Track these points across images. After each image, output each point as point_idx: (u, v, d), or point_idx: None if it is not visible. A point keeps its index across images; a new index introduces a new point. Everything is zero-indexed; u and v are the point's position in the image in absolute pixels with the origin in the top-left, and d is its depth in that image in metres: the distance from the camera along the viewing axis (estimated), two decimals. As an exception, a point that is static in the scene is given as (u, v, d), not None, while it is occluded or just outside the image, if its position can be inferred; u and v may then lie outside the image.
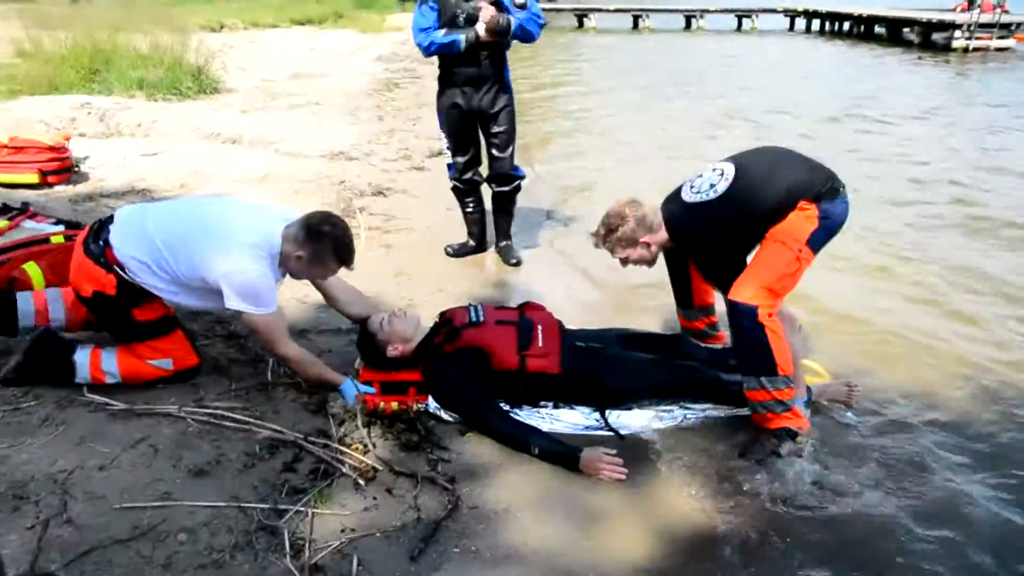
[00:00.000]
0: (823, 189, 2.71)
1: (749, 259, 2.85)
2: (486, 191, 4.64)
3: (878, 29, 24.58)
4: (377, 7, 26.66)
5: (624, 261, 3.02)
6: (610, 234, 2.94)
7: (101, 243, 2.73)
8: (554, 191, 6.47)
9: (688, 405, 3.02)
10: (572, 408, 2.95)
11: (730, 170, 2.81)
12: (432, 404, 2.87)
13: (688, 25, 29.20)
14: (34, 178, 5.06)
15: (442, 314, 3.16)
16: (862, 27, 25.30)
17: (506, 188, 4.54)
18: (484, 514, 2.38)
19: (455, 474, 2.54)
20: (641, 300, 4.08)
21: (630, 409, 2.97)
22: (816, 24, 28.32)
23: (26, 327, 2.95)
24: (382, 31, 20.25)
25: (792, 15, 29.11)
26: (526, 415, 2.89)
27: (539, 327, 2.98)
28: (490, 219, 4.76)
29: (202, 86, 9.21)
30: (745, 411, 2.92)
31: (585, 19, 28.95)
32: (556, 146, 8.33)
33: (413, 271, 4.27)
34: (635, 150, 8.16)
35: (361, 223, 4.95)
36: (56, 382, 2.80)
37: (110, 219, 2.81)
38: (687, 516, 2.47)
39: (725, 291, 2.81)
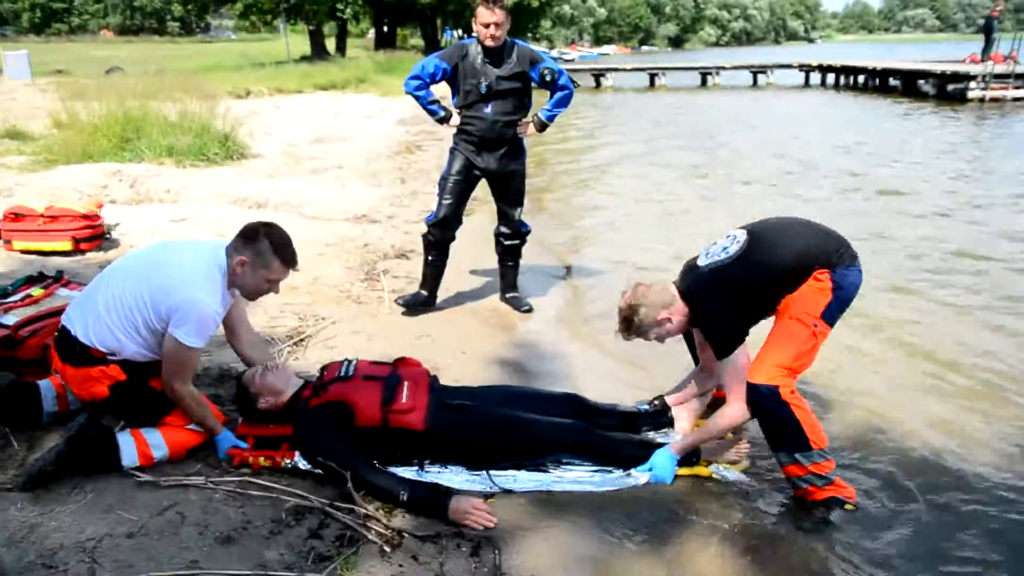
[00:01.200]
0: (836, 257, 2.73)
1: (756, 330, 2.86)
2: (454, 248, 4.73)
3: (892, 82, 24.83)
4: (399, 71, 27.33)
5: (659, 339, 3.05)
6: (629, 326, 2.96)
7: (77, 348, 2.73)
8: (565, 243, 6.62)
9: (568, 466, 2.95)
10: (445, 467, 2.91)
11: (743, 236, 2.85)
12: (301, 460, 2.84)
13: (704, 82, 29.70)
14: (67, 245, 5.20)
15: (322, 368, 3.20)
16: (877, 80, 25.57)
17: (515, 242, 4.75)
18: (511, 581, 2.36)
19: (480, 539, 2.52)
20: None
21: (507, 469, 2.89)
22: (831, 78, 28.67)
23: (49, 412, 3.01)
24: (403, 95, 20.69)
25: (807, 70, 29.54)
26: (397, 472, 2.84)
27: (405, 383, 2.95)
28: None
29: (229, 152, 9.46)
30: (632, 481, 2.92)
31: (602, 78, 29.51)
32: (567, 202, 8.46)
33: (436, 333, 4.31)
34: (649, 205, 8.26)
35: (385, 286, 5.02)
36: (101, 469, 2.72)
37: (62, 329, 2.80)
38: (717, 582, 2.43)
39: (721, 354, 2.82)
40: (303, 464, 2.83)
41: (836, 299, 2.70)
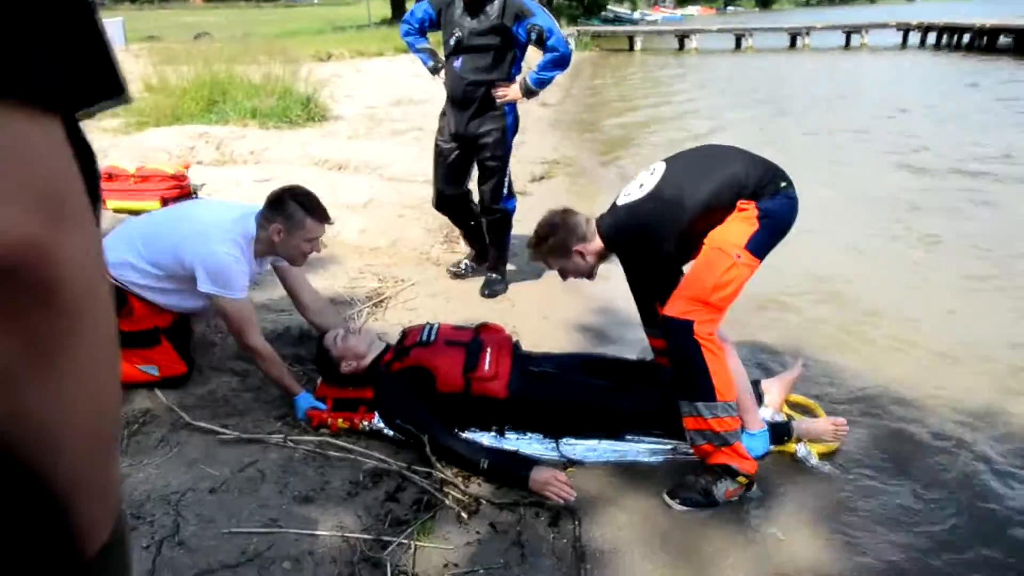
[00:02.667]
0: (763, 185, 2.50)
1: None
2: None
3: (1003, 40, 23.13)
4: (477, 34, 27.12)
5: (562, 274, 2.88)
6: (541, 244, 2.80)
7: None
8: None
9: (646, 438, 2.84)
10: (524, 434, 2.84)
11: (660, 168, 2.63)
12: (379, 422, 2.81)
13: (793, 43, 28.43)
14: (156, 205, 5.31)
15: (403, 332, 3.13)
16: (984, 39, 23.88)
17: (492, 217, 4.25)
18: (591, 553, 2.29)
19: (559, 510, 2.46)
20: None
21: (587, 439, 2.82)
22: (932, 38, 26.95)
23: None
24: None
25: (906, 29, 27.88)
26: (475, 438, 2.81)
27: (488, 349, 2.88)
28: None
29: (311, 114, 9.54)
30: None
31: (686, 40, 28.64)
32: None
33: (517, 298, 4.24)
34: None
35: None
36: None
37: None
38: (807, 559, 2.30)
39: (656, 298, 2.64)
40: (382, 427, 2.81)
41: (764, 228, 2.47)
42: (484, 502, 2.47)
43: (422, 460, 2.63)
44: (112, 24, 19.66)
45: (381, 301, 4.05)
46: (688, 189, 2.53)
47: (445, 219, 5.45)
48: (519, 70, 4.03)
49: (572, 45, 26.39)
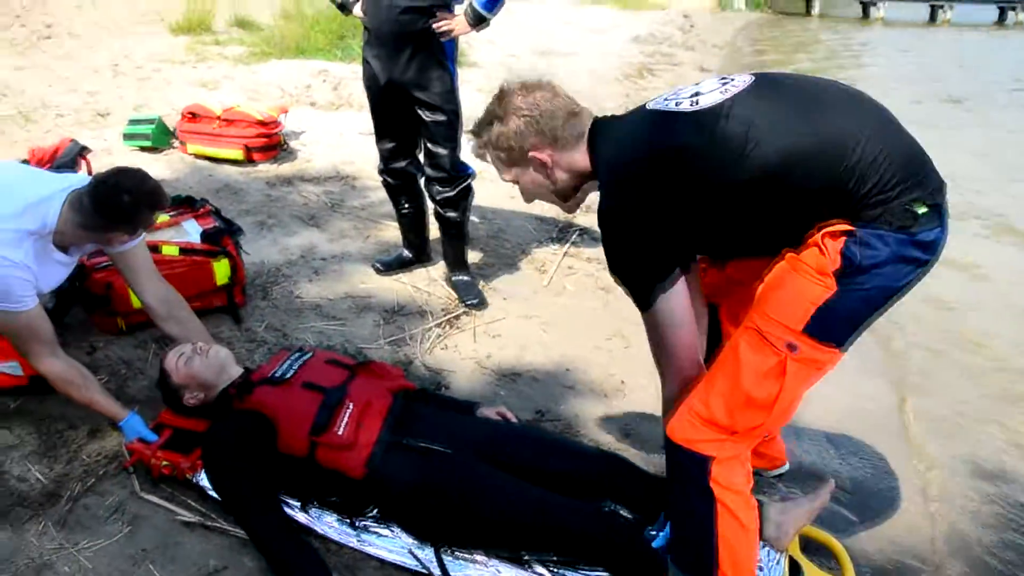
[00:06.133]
0: (886, 191, 1.42)
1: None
2: None
3: None
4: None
5: (522, 191, 1.86)
6: (483, 129, 1.76)
7: None
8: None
9: (563, 568, 1.90)
10: (389, 528, 2.01)
11: (742, 83, 1.57)
12: (204, 478, 2.09)
13: (1002, 18, 24.92)
14: (239, 154, 4.69)
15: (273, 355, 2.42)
16: None
17: (446, 192, 3.19)
18: None
19: None
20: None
21: (473, 552, 1.94)
22: None
23: None
24: (643, 7, 19.10)
25: None
26: (325, 522, 2.03)
27: (348, 404, 2.05)
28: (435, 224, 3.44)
29: (445, 59, 8.75)
30: None
31: (872, 8, 25.72)
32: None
33: (632, 335, 3.24)
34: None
35: (574, 252, 4.03)
36: None
37: None
38: None
39: (634, 297, 1.68)
40: (204, 484, 2.09)
41: (850, 292, 1.46)
42: None
43: None
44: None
45: (456, 318, 3.19)
46: (762, 137, 1.48)
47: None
48: None
49: (744, 3, 24.42)
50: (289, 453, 2.01)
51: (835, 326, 1.50)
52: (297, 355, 2.26)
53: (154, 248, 2.70)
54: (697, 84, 1.66)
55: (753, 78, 1.60)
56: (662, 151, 1.57)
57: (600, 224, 1.67)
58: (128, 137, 4.87)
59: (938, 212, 1.47)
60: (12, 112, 5.64)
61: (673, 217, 1.58)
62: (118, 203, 2.06)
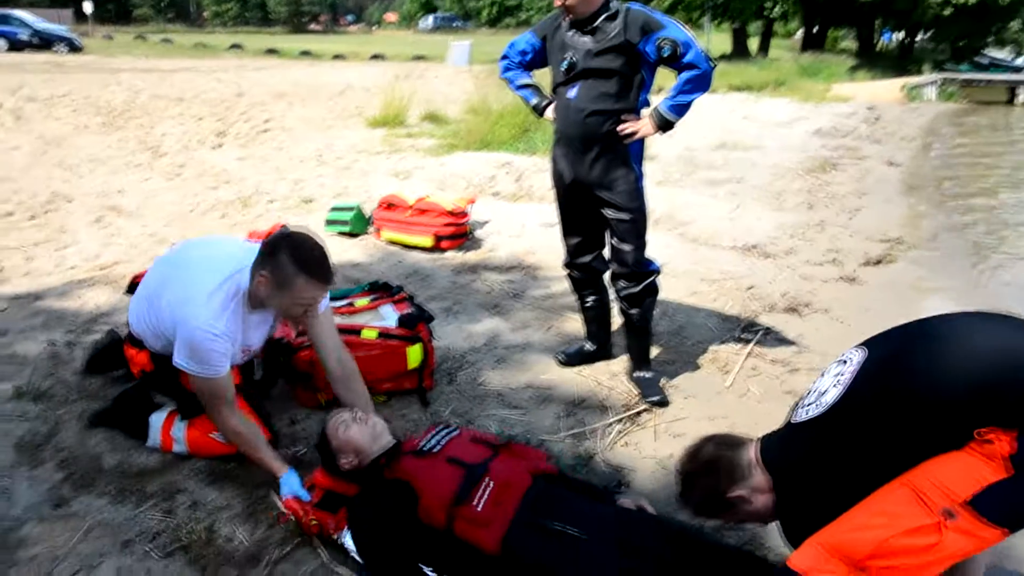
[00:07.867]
0: None
1: None
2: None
3: None
4: (824, 75, 24.88)
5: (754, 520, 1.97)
6: (687, 498, 1.99)
7: (127, 323, 2.65)
8: None
9: None
10: None
11: (856, 358, 1.71)
12: (347, 538, 2.19)
13: None
14: (428, 242, 4.96)
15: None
16: None
17: (631, 288, 3.19)
18: None
19: None
20: None
21: None
22: None
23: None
24: (824, 101, 18.63)
25: None
26: None
27: (488, 481, 2.12)
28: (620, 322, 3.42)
29: (622, 152, 8.89)
30: None
31: (1018, 92, 23.76)
32: None
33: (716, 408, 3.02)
34: None
35: (755, 352, 3.86)
36: (132, 434, 2.73)
37: None
38: None
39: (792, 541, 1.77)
40: (349, 545, 2.20)
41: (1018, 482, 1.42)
42: None
43: None
44: (459, 47, 21.19)
45: (638, 414, 3.12)
46: (896, 394, 1.59)
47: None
48: (646, 101, 3.07)
49: (934, 95, 23.22)
50: (429, 523, 2.09)
51: (1007, 509, 1.46)
52: (445, 431, 2.37)
53: (355, 331, 2.90)
54: (818, 380, 1.82)
55: (864, 349, 1.73)
56: (819, 444, 1.73)
57: (783, 494, 1.82)
58: (330, 223, 5.29)
59: None
60: (233, 198, 6.32)
61: (832, 477, 1.69)
62: (310, 249, 2.32)
